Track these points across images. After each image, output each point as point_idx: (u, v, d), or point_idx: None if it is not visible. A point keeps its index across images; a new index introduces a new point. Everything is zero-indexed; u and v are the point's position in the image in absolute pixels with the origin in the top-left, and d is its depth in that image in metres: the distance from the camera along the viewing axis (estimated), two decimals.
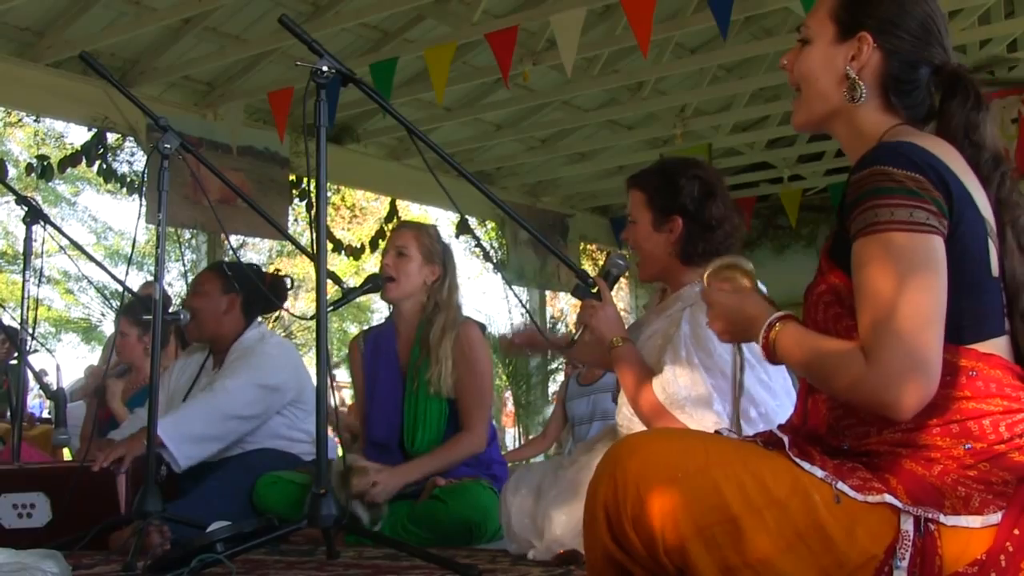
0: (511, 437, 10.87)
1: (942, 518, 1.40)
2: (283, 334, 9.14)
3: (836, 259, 1.56)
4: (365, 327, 6.14)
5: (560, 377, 10.17)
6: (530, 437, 8.73)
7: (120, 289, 4.56)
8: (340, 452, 3.68)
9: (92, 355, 15.02)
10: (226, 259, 7.26)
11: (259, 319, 4.16)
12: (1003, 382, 1.49)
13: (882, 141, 1.58)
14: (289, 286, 4.17)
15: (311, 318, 2.83)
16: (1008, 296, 1.57)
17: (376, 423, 3.70)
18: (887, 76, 1.66)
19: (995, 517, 1.40)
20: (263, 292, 3.79)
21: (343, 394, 9.12)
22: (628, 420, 2.74)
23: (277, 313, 9.23)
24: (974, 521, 1.40)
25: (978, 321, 1.51)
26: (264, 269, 4.53)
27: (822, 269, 1.61)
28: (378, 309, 16.04)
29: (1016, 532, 1.37)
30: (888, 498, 1.42)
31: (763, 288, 1.81)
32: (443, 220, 15.31)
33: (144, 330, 4.80)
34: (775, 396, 2.53)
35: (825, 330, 1.57)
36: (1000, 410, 1.47)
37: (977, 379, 1.48)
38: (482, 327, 3.74)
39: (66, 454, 5.53)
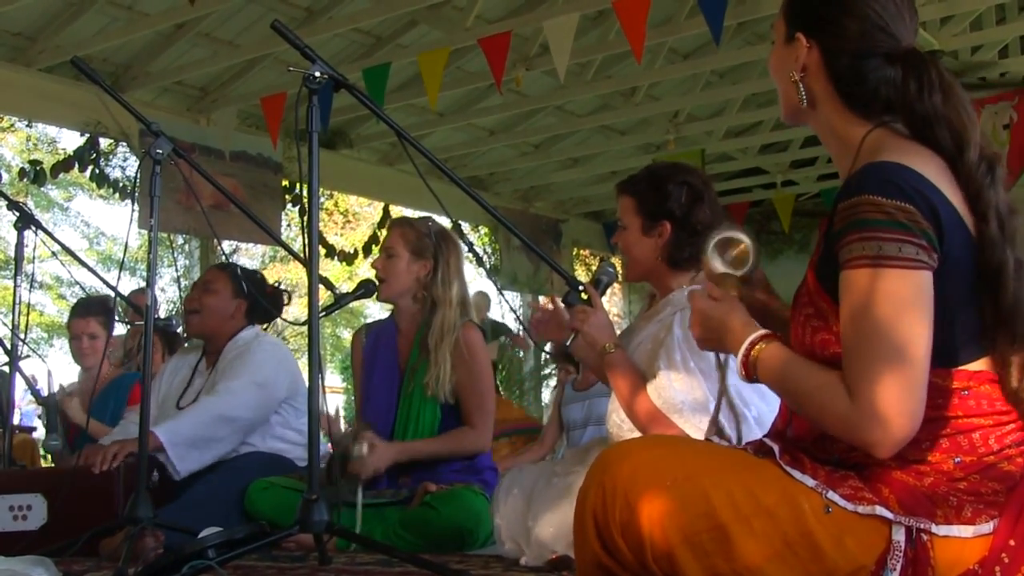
0: None
1: (934, 528, 1.40)
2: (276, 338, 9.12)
3: (822, 279, 1.52)
4: None
5: (553, 383, 10.17)
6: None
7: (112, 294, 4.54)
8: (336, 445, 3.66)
9: None
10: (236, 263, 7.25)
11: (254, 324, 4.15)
12: (993, 397, 1.48)
13: (869, 163, 1.50)
14: (286, 301, 4.17)
15: (304, 323, 2.81)
16: None
17: (368, 419, 3.69)
18: (832, 76, 1.62)
19: (987, 527, 1.40)
20: (263, 303, 3.85)
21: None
22: (618, 427, 2.73)
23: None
24: (966, 531, 1.40)
25: (971, 339, 1.49)
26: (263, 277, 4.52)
27: (807, 280, 1.57)
28: (371, 314, 16.03)
29: (1012, 543, 1.37)
30: (879, 510, 1.41)
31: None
32: None
33: (110, 334, 4.72)
34: (767, 400, 2.53)
35: (802, 340, 1.55)
36: (990, 423, 1.46)
37: (969, 398, 1.46)
38: (482, 330, 3.72)
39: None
